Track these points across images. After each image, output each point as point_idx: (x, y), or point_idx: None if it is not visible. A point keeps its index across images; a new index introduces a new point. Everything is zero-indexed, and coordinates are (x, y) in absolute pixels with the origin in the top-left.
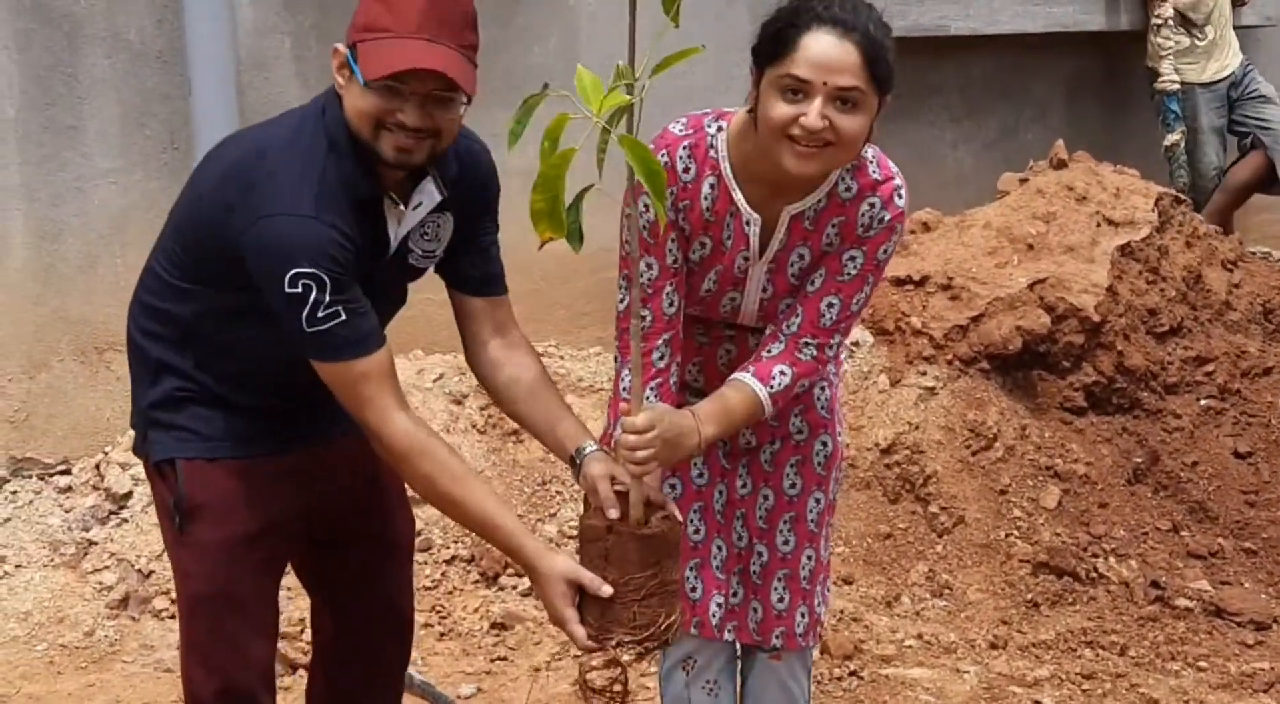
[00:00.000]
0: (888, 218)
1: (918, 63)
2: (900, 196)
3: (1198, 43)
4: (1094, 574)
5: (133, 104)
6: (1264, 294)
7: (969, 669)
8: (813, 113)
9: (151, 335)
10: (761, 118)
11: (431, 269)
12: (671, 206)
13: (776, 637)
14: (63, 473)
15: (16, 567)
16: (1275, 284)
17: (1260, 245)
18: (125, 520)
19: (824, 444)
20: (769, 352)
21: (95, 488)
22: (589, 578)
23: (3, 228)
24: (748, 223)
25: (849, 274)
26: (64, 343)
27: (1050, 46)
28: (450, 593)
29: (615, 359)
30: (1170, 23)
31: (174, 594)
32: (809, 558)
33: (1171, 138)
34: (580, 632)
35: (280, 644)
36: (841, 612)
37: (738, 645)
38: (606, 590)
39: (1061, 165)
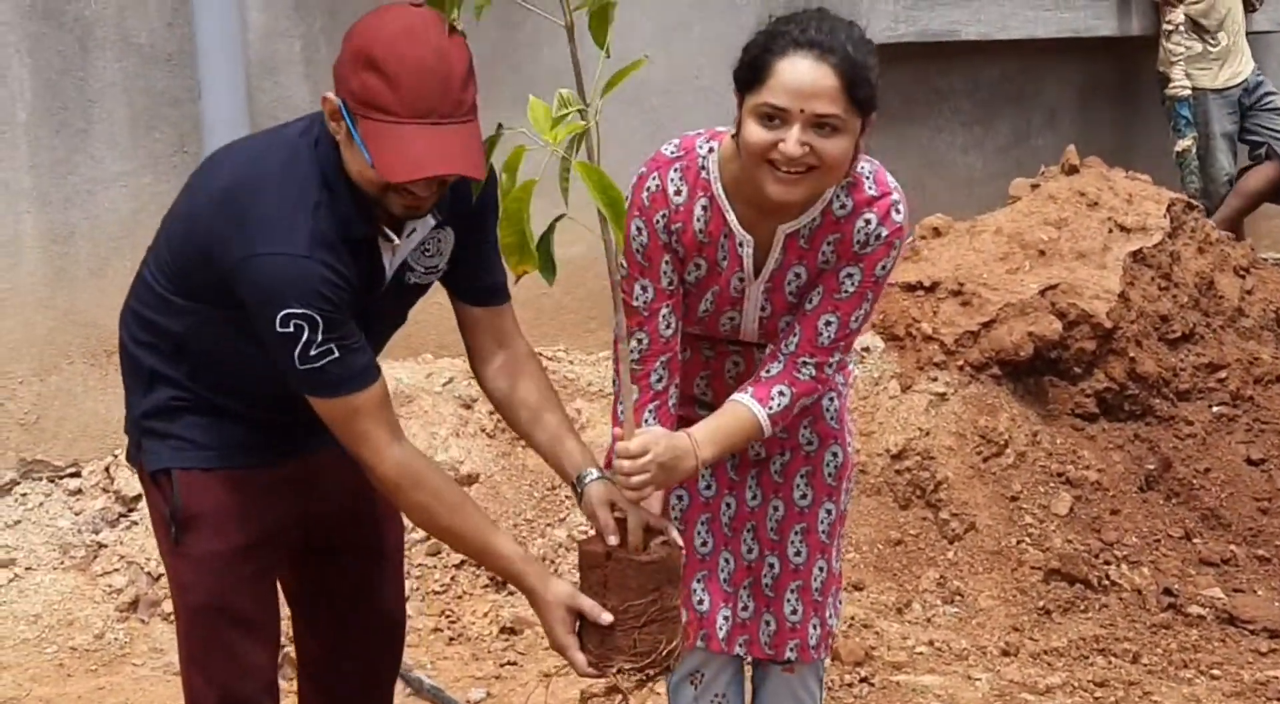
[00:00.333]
0: (885, 234)
1: (928, 68)
2: (898, 212)
3: (1210, 48)
4: (1106, 581)
5: (143, 107)
6: (1276, 301)
7: (980, 676)
8: (791, 140)
9: (144, 345)
10: (742, 144)
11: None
12: (665, 229)
13: (790, 649)
14: (72, 475)
15: (27, 569)
16: None
17: (1272, 252)
18: (135, 523)
19: (834, 454)
20: (768, 371)
21: (105, 490)
22: (589, 605)
23: (14, 231)
24: (741, 244)
25: (846, 291)
26: (74, 346)
27: (1061, 51)
28: (460, 597)
29: (613, 382)
30: (1182, 28)
31: None
32: (820, 569)
33: (1183, 143)
34: (580, 659)
35: (286, 646)
36: (852, 618)
37: (748, 657)
38: (606, 617)
39: (1073, 171)
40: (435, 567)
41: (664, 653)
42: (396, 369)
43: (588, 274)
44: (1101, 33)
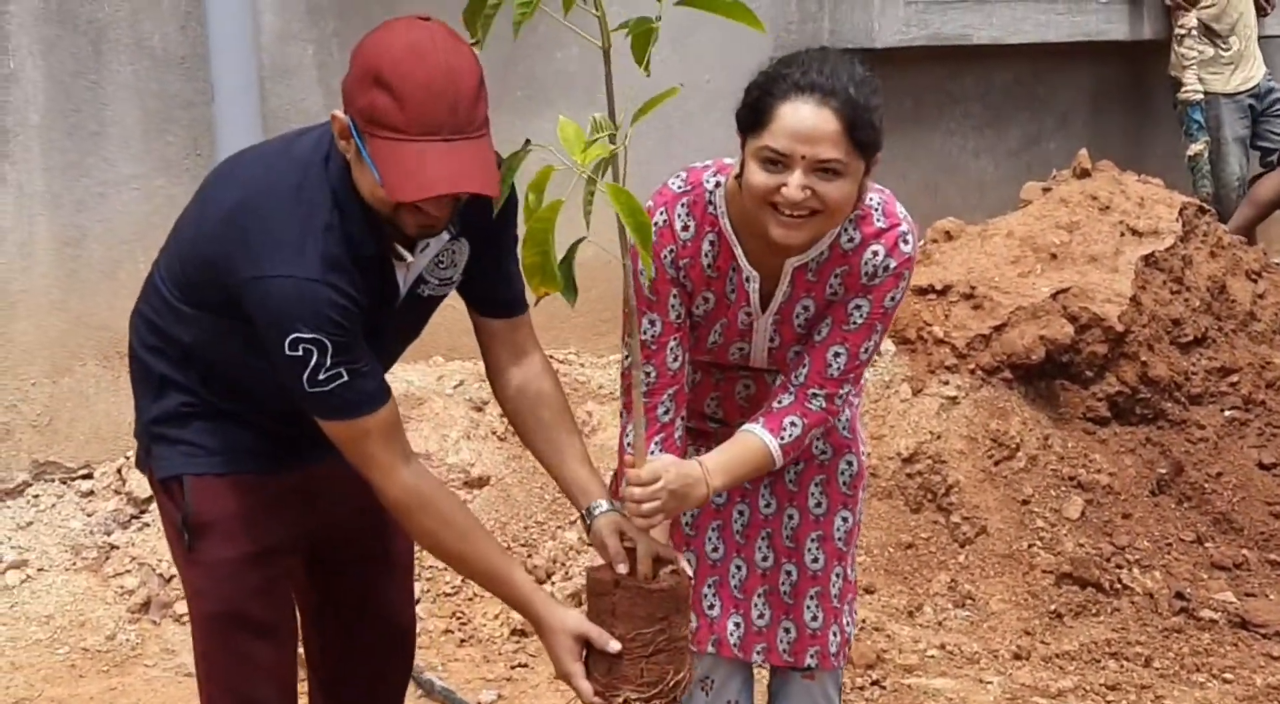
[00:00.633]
0: (893, 265)
1: (940, 72)
2: (906, 242)
3: (1222, 53)
4: (1118, 585)
5: (155, 110)
6: None
7: (992, 679)
8: (793, 185)
9: (153, 350)
10: (745, 186)
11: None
12: (672, 264)
13: (811, 656)
14: (85, 477)
15: (39, 570)
16: None
17: None
18: (147, 524)
19: (849, 463)
20: (779, 402)
21: (117, 492)
22: (596, 633)
23: (27, 233)
24: (748, 279)
25: (855, 323)
26: (87, 348)
27: (1073, 55)
28: (470, 599)
29: (621, 415)
30: (1194, 33)
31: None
32: (838, 576)
33: (1195, 148)
34: (587, 687)
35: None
36: (864, 621)
37: (764, 665)
38: (614, 646)
39: (1085, 174)
40: (446, 569)
41: (671, 683)
42: (408, 372)
43: (598, 278)
44: (1113, 37)
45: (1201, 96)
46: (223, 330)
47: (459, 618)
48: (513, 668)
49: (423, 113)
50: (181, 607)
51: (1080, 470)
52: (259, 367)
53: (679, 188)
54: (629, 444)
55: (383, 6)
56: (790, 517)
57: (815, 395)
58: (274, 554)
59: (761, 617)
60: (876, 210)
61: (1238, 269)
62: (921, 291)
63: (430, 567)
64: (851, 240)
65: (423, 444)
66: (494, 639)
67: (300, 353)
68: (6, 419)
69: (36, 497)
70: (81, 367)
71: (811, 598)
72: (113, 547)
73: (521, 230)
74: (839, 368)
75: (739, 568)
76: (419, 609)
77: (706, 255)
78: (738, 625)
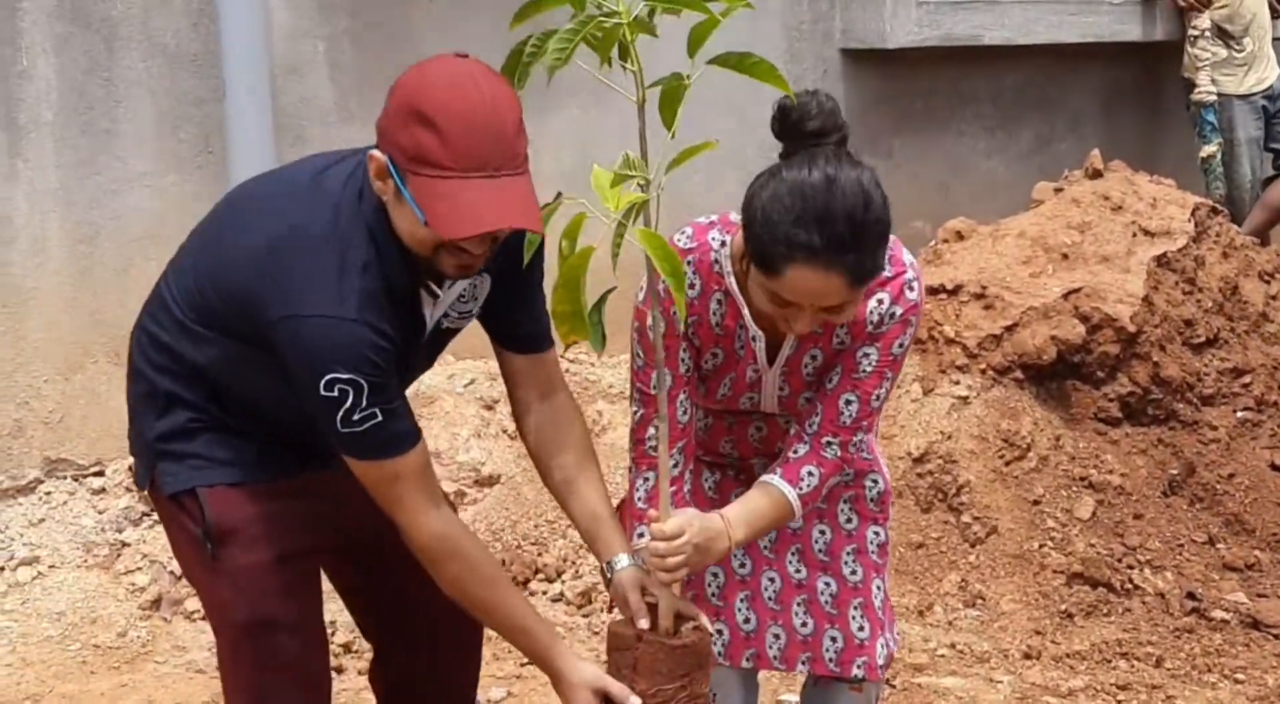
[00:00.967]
0: (899, 312)
1: (952, 73)
2: (912, 289)
3: (1235, 54)
4: (1129, 585)
5: (168, 108)
6: None
7: (1002, 679)
8: (801, 325)
9: (161, 368)
10: (752, 292)
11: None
12: (681, 320)
13: (858, 666)
14: (96, 474)
15: (50, 567)
16: None
17: None
18: (158, 522)
19: (874, 482)
20: (795, 452)
21: (128, 489)
22: (617, 688)
23: (39, 230)
24: (754, 338)
25: (865, 371)
26: (99, 345)
27: (1086, 57)
28: None
29: (630, 470)
30: (1208, 34)
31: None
32: (879, 588)
33: (1208, 149)
34: None
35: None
36: None
37: (808, 673)
38: (635, 701)
39: (1097, 175)
40: None
41: None
42: None
43: (609, 279)
44: (1126, 38)
45: (1215, 98)
46: (241, 356)
47: None
48: (522, 665)
49: (467, 148)
50: (193, 604)
51: (1091, 471)
52: (276, 389)
53: (685, 245)
54: (639, 498)
55: (394, 2)
56: (822, 532)
57: (830, 444)
58: (297, 556)
59: (805, 625)
60: None
61: (1250, 270)
62: (932, 291)
63: None
64: None
65: (433, 443)
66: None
67: (335, 394)
68: (18, 416)
69: (48, 494)
70: (94, 364)
71: (856, 608)
72: (124, 544)
73: (551, 275)
74: (851, 416)
75: (771, 581)
76: None
77: (714, 314)
78: (777, 636)
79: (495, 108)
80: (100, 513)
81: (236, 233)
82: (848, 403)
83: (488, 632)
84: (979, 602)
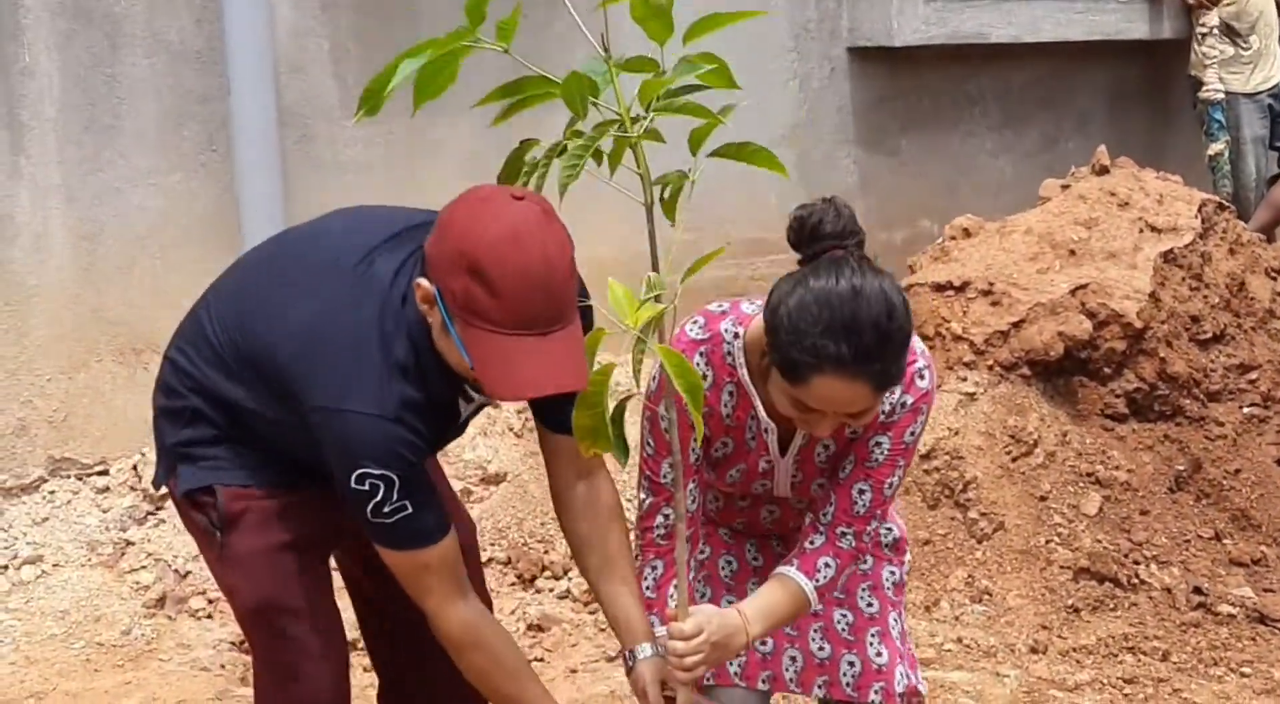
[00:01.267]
0: (910, 401)
1: (959, 71)
2: (922, 377)
3: (1242, 52)
4: (1135, 580)
5: (172, 105)
6: None
7: (1009, 673)
8: (822, 429)
9: (190, 390)
10: (774, 395)
11: None
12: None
13: (875, 692)
14: (101, 473)
15: (54, 566)
16: None
17: None
18: (163, 521)
19: (888, 529)
20: (811, 543)
21: (133, 488)
22: None
23: (42, 227)
24: (766, 430)
25: (877, 460)
26: (103, 343)
27: (1093, 55)
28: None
29: (636, 556)
30: (1215, 32)
31: (210, 594)
32: (896, 620)
33: (1215, 147)
34: None
35: None
36: None
37: (826, 697)
38: None
39: (1104, 171)
40: None
41: None
42: None
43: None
44: (1133, 36)
45: (1223, 96)
46: (270, 401)
47: None
48: (529, 661)
49: (519, 309)
50: (197, 602)
51: (1098, 467)
52: (298, 433)
53: (697, 335)
54: (648, 588)
55: (399, 2)
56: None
57: (844, 534)
58: (307, 549)
59: (822, 649)
60: None
61: (1257, 267)
62: (939, 288)
63: None
64: None
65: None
66: (510, 634)
67: (367, 488)
68: (22, 415)
69: (52, 493)
70: (98, 362)
71: (873, 636)
72: (128, 543)
73: None
74: (865, 505)
75: None
76: None
77: (725, 405)
78: (794, 659)
79: (549, 265)
80: (105, 512)
81: (281, 301)
82: (861, 492)
83: None
84: (985, 597)
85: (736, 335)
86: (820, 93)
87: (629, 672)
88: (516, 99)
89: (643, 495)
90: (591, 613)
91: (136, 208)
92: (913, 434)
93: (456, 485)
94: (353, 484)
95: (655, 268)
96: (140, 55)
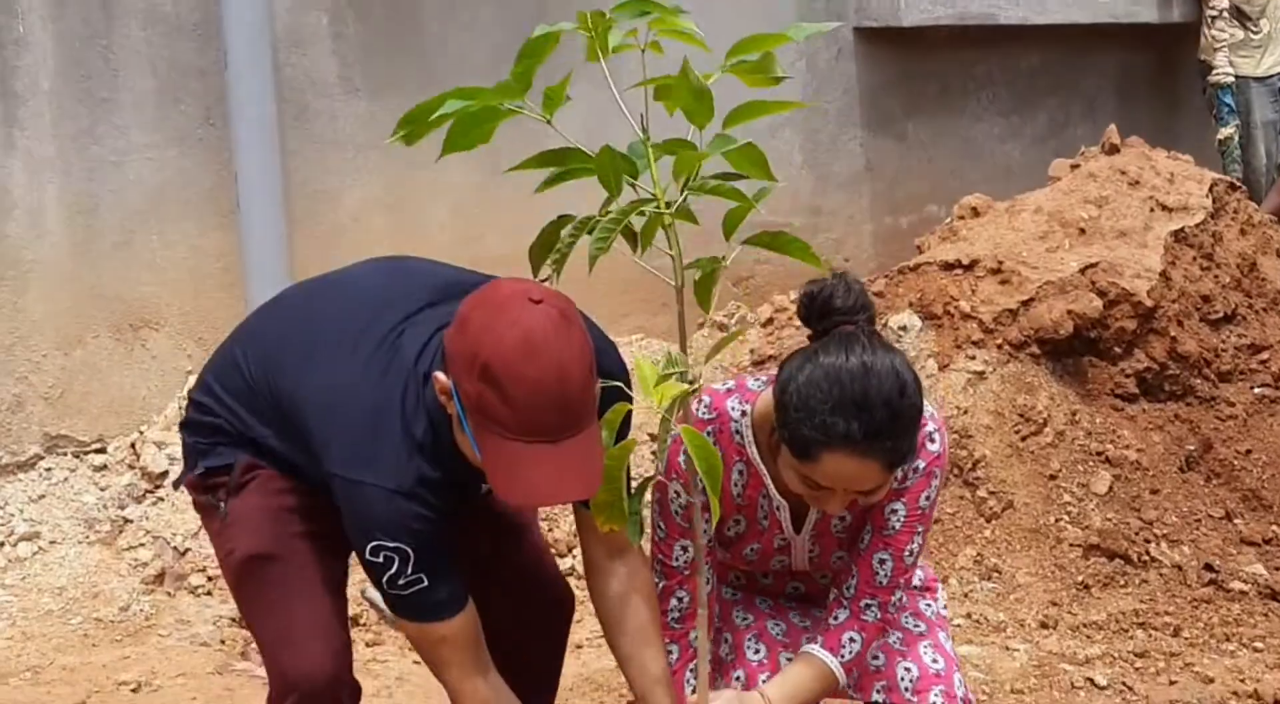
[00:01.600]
0: (922, 465)
1: (966, 54)
2: (933, 441)
3: (1253, 35)
4: (1146, 557)
5: (168, 78)
6: None
7: (1019, 647)
8: (832, 507)
9: (219, 415)
10: (783, 472)
11: None
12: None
13: (936, 694)
14: (98, 451)
15: (51, 543)
16: None
17: None
18: (161, 499)
19: (921, 572)
20: (835, 619)
21: (131, 467)
22: None
23: (37, 201)
24: (779, 508)
25: (894, 528)
26: (99, 320)
27: (1101, 39)
28: None
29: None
30: (1225, 15)
31: (210, 571)
32: (946, 637)
33: (1225, 131)
34: None
35: None
36: None
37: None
38: None
39: (1114, 150)
40: None
41: None
42: None
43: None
44: (1142, 19)
45: (1233, 79)
46: (300, 453)
47: None
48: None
49: (531, 419)
50: (197, 580)
51: (1108, 446)
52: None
53: (704, 415)
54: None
55: None
56: None
57: (869, 606)
58: (317, 528)
59: (877, 658)
60: None
61: (1268, 247)
62: (948, 267)
63: None
64: None
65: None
66: None
67: (381, 560)
68: (18, 391)
69: (49, 470)
70: (94, 339)
71: (926, 647)
72: (126, 521)
73: None
74: (886, 575)
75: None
76: None
77: (736, 485)
78: (849, 670)
79: (564, 375)
80: (102, 490)
81: (312, 361)
82: (881, 562)
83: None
84: (995, 575)
85: (744, 413)
86: (827, 74)
87: None
88: (557, 172)
89: (655, 579)
90: None
91: (133, 182)
92: (928, 499)
93: None
94: (368, 555)
95: (684, 348)
96: (136, 27)
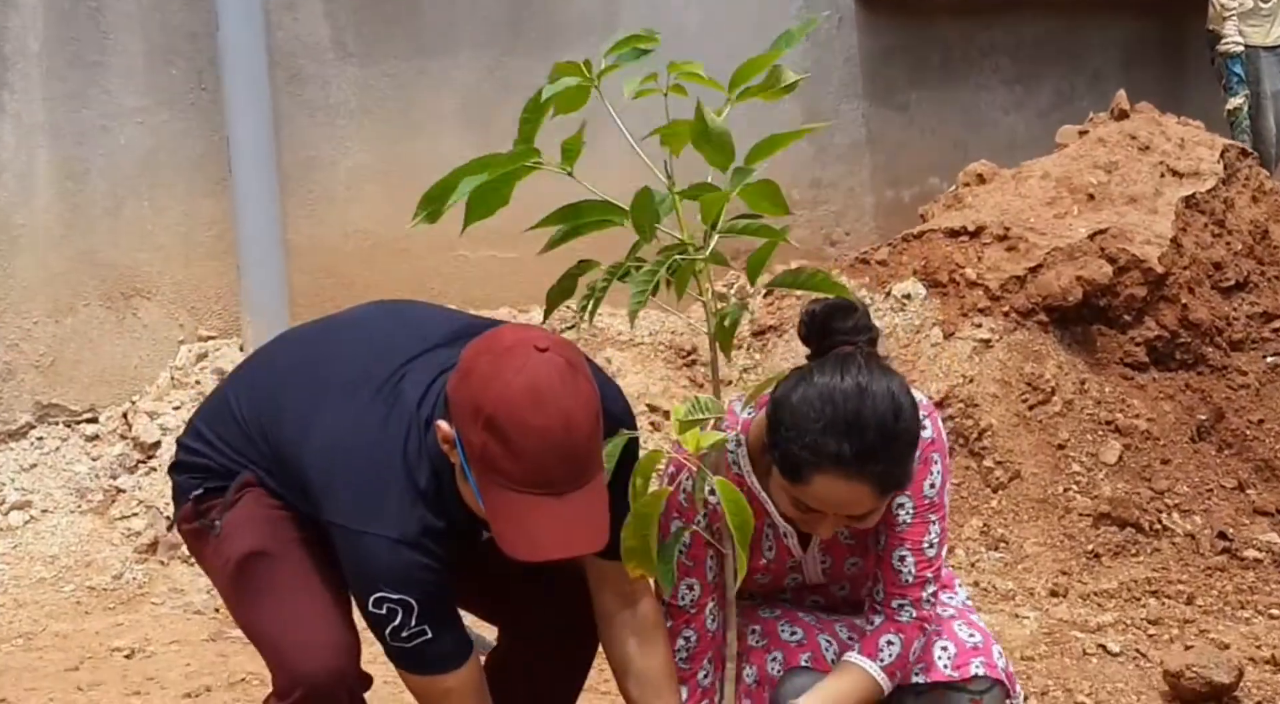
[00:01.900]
0: (917, 454)
1: (970, 23)
2: (925, 428)
3: (1262, 4)
4: (1157, 526)
5: (159, 41)
6: None
7: (1029, 615)
8: (823, 530)
9: (209, 457)
10: (774, 494)
11: None
12: (706, 528)
13: (977, 665)
14: (90, 420)
15: (43, 512)
16: None
17: None
18: (154, 469)
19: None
20: (871, 624)
21: (123, 437)
22: None
23: (27, 166)
24: (785, 534)
25: (905, 522)
26: (90, 287)
27: (1108, 8)
28: None
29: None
30: None
31: None
32: (977, 618)
33: (1235, 101)
34: None
35: None
36: None
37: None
38: None
39: (1123, 116)
40: None
41: None
42: None
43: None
44: None
45: (1242, 48)
46: (300, 498)
47: None
48: None
49: (536, 471)
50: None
51: (1118, 415)
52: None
53: None
54: None
55: None
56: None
57: (901, 606)
58: (309, 523)
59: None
60: None
61: None
62: (953, 233)
63: None
64: None
65: None
66: None
67: (384, 611)
68: (8, 359)
69: (40, 439)
70: (85, 306)
71: (960, 625)
72: (119, 490)
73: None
74: (910, 572)
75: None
76: None
77: None
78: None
79: (569, 426)
80: (94, 459)
81: (310, 409)
82: (901, 559)
83: None
84: (1002, 545)
85: (739, 442)
86: (827, 43)
87: None
88: (565, 230)
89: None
90: None
91: (123, 147)
92: (933, 486)
93: None
94: (370, 607)
95: (716, 393)
96: None
